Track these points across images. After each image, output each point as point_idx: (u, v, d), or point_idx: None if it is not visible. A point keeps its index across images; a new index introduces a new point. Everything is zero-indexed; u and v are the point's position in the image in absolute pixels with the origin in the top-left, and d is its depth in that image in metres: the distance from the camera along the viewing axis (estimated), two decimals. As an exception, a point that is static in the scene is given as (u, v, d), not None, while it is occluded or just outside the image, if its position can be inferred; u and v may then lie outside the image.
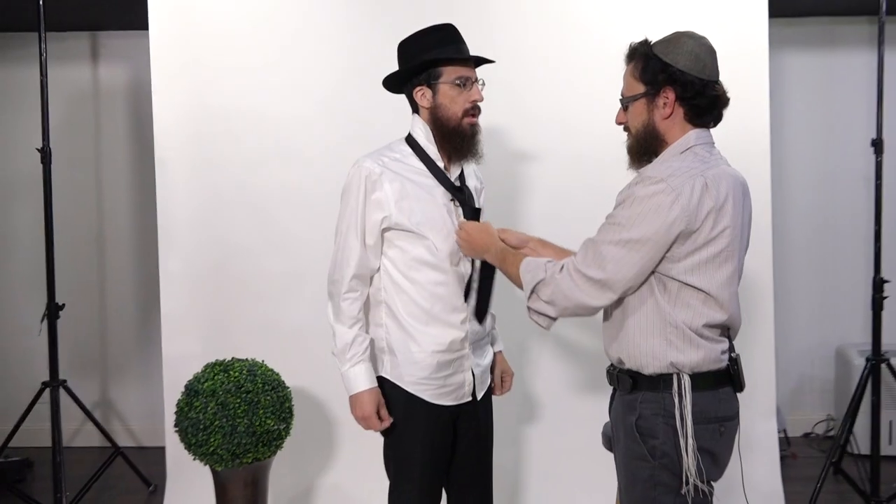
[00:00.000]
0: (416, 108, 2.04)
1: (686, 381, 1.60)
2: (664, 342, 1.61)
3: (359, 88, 3.05)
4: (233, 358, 2.64)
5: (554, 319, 1.70)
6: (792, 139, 4.20)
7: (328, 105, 3.07)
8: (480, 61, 2.01)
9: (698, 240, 1.57)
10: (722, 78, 3.11)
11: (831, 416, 4.26)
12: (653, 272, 1.61)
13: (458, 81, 1.95)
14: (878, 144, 3.34)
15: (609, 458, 3.06)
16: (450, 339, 2.01)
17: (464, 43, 1.98)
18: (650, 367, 1.63)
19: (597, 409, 3.06)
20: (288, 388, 2.65)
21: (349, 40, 3.09)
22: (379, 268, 2.02)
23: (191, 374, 2.78)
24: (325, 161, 3.05)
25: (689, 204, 1.55)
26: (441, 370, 2.01)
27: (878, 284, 3.32)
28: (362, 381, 1.97)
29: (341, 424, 3.07)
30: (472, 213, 2.03)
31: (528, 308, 1.72)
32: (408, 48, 2.00)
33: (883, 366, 3.36)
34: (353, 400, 1.98)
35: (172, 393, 2.96)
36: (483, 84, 2.00)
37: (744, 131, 3.06)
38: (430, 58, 1.93)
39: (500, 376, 2.24)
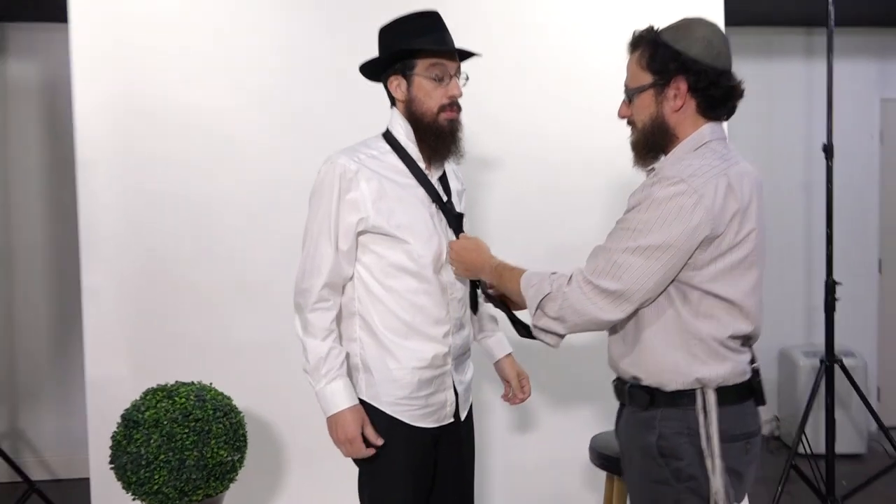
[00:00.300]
0: (392, 101, 1.86)
1: (711, 396, 1.47)
2: (688, 356, 1.48)
3: (309, 80, 2.84)
4: (177, 382, 2.37)
5: (562, 337, 1.55)
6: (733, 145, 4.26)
7: (273, 100, 2.84)
8: (464, 55, 1.85)
9: (722, 245, 1.45)
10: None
11: (777, 416, 4.31)
12: (671, 281, 1.48)
13: (434, 75, 1.78)
14: (828, 150, 3.37)
15: (590, 473, 2.99)
16: (432, 354, 1.83)
17: (446, 32, 1.82)
18: (673, 383, 1.50)
19: (572, 421, 2.99)
20: (240, 413, 2.39)
21: (294, 28, 2.87)
22: (352, 276, 1.82)
23: (119, 398, 2.50)
24: (269, 161, 2.82)
25: (713, 206, 1.43)
26: (422, 389, 1.83)
27: (831, 287, 3.35)
28: (342, 398, 1.76)
29: (296, 450, 2.83)
30: (456, 221, 1.87)
31: (534, 326, 1.56)
32: (386, 34, 1.83)
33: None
34: (333, 421, 1.77)
35: (99, 420, 2.72)
36: (467, 79, 1.84)
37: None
38: (405, 47, 1.76)
39: (517, 380, 2.07)
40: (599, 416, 2.97)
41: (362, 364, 1.84)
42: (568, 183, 2.96)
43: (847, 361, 3.55)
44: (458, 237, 1.87)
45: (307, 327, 1.79)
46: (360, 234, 1.79)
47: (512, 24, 2.96)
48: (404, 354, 1.81)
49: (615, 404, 2.94)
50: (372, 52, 1.91)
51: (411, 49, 1.76)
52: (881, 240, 4.52)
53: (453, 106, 1.81)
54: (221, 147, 2.82)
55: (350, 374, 1.84)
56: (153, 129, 2.81)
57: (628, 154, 2.94)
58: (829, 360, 3.39)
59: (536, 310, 1.53)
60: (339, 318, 1.85)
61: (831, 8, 3.34)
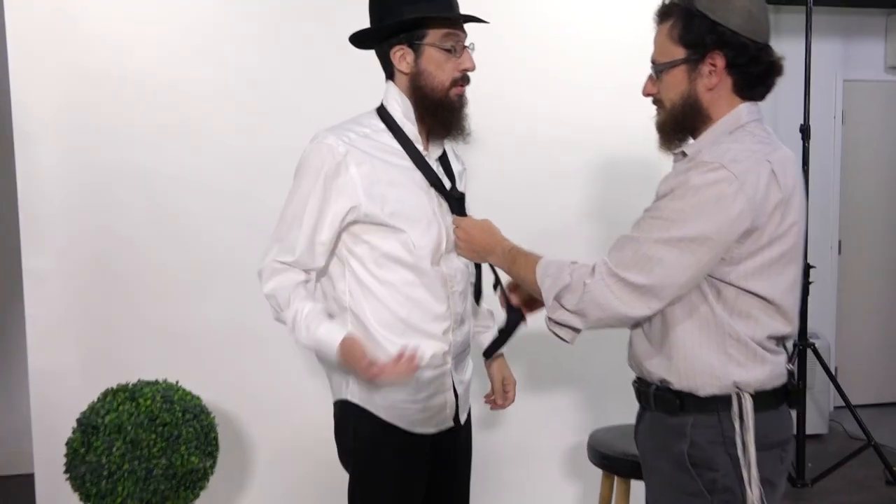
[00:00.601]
0: (390, 73, 1.68)
1: (748, 401, 1.37)
2: (724, 358, 1.38)
3: (284, 50, 2.60)
4: (139, 381, 2.15)
5: (578, 332, 1.43)
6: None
7: (244, 70, 2.59)
8: (469, 21, 1.67)
9: (762, 238, 1.35)
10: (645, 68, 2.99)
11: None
12: (704, 276, 1.37)
13: (447, 45, 1.61)
14: (805, 131, 3.35)
15: (568, 466, 2.90)
16: (430, 352, 1.68)
17: (454, -4, 1.64)
18: (708, 387, 1.39)
19: (547, 411, 2.87)
20: (211, 414, 2.19)
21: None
22: (327, 265, 1.66)
23: (67, 392, 2.28)
24: (240, 135, 2.59)
25: (755, 195, 1.31)
26: (421, 391, 1.69)
27: (805, 270, 3.33)
28: (327, 341, 1.57)
29: (266, 448, 2.64)
30: (458, 206, 1.71)
31: (549, 319, 1.42)
32: None
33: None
34: (341, 358, 1.57)
35: (44, 414, 2.49)
36: (473, 49, 1.67)
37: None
38: (415, 15, 1.57)
39: (501, 383, 1.92)
40: (576, 405, 2.89)
41: (354, 365, 1.68)
42: (554, 162, 2.83)
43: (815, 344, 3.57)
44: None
45: (273, 302, 1.63)
46: (350, 224, 1.62)
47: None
48: None
49: (593, 393, 2.91)
50: (352, 19, 1.72)
51: (424, 17, 1.58)
52: (841, 221, 4.57)
53: (465, 80, 1.65)
54: (185, 118, 2.56)
55: (340, 375, 1.68)
56: (107, 101, 2.53)
57: (617, 133, 2.89)
58: (803, 344, 3.40)
59: (553, 301, 1.40)
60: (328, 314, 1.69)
61: (812, -14, 3.29)
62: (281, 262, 1.62)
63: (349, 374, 1.68)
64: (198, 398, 2.18)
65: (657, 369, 1.44)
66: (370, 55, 1.73)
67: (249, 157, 2.59)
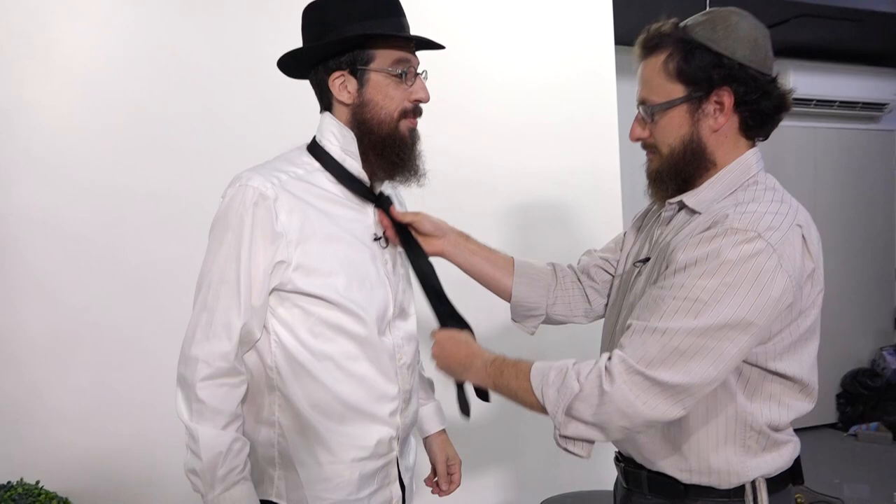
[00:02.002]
0: (327, 104, 1.41)
1: (763, 488, 1.20)
2: (741, 451, 1.20)
3: (164, 69, 2.21)
4: (-13, 482, 1.68)
5: (593, 443, 1.18)
6: (629, 165, 4.18)
7: (112, 93, 2.18)
8: (422, 45, 1.42)
9: (793, 312, 1.17)
10: (573, 107, 2.86)
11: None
12: None
13: (397, 71, 1.36)
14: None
15: None
16: (375, 439, 1.39)
17: (405, 17, 1.40)
18: (723, 483, 1.21)
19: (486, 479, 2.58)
20: (83, 521, 1.75)
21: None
22: (259, 336, 1.35)
23: None
24: (110, 173, 2.17)
25: (793, 269, 1.13)
26: (363, 487, 1.39)
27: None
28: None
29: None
30: (424, 256, 1.48)
31: (560, 436, 1.17)
32: (323, 14, 1.35)
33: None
34: None
35: None
36: (426, 77, 1.42)
37: (594, 159, 2.83)
38: (360, 32, 1.32)
39: (445, 465, 1.65)
40: (522, 470, 2.64)
41: (280, 458, 1.36)
42: (469, 204, 2.62)
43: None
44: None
45: (201, 410, 1.27)
46: (277, 286, 1.32)
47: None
48: (340, 443, 1.35)
49: (539, 457, 2.62)
50: (263, 34, 1.45)
51: (371, 35, 1.32)
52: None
53: (417, 111, 1.40)
54: (46, 149, 2.13)
55: (262, 472, 1.37)
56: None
57: (533, 176, 2.73)
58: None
59: (564, 416, 1.14)
60: (246, 395, 1.35)
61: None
62: (228, 355, 1.28)
63: (273, 470, 1.36)
64: (65, 500, 1.73)
65: (664, 463, 1.24)
66: (296, 83, 1.46)
67: (123, 198, 2.17)
